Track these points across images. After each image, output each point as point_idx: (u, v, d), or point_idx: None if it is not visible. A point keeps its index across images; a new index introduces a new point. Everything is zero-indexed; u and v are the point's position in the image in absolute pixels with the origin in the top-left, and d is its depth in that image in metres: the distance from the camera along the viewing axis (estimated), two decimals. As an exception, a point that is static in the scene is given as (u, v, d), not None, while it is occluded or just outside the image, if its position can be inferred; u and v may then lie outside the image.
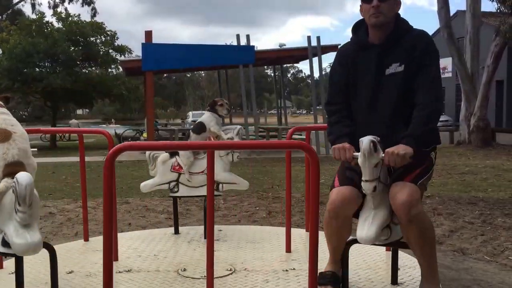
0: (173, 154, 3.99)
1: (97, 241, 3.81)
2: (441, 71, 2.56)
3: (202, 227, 4.09)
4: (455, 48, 15.72)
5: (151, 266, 3.25)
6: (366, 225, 2.36)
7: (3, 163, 2.32)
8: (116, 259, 3.35)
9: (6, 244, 2.22)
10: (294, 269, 3.11)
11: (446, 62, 31.62)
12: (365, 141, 2.27)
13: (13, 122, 2.57)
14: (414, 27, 2.58)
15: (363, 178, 2.32)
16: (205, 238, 3.82)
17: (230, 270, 3.12)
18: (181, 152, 3.94)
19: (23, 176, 2.12)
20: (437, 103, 2.45)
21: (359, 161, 2.31)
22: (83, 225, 3.98)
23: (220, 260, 3.31)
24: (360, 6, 2.55)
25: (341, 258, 2.63)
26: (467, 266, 3.52)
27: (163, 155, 3.98)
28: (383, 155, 2.30)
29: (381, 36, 2.52)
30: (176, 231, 4.10)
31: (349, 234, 2.60)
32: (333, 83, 2.70)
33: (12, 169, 2.29)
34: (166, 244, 3.78)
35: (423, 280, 2.52)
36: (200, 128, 4.01)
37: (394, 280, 2.77)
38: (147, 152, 4.01)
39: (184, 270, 3.14)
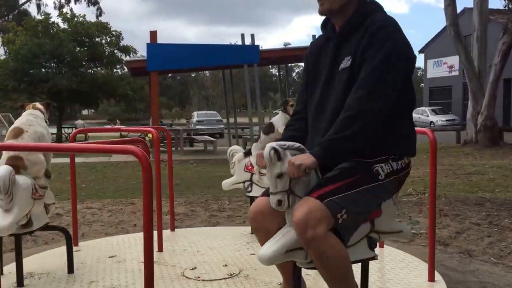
0: (247, 154, 4.07)
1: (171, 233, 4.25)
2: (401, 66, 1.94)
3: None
4: (462, 46, 15.62)
5: (172, 261, 3.41)
6: (269, 243, 2.01)
7: (7, 156, 2.77)
8: (161, 250, 3.64)
9: None
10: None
11: (453, 60, 31.53)
12: (266, 148, 1.98)
13: (33, 123, 2.98)
14: (381, 11, 2.13)
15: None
16: None
17: (231, 274, 3.11)
18: (253, 152, 4.00)
19: (0, 169, 2.57)
20: (366, 104, 1.94)
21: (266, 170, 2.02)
22: (169, 216, 4.39)
23: (241, 263, 3.36)
24: None
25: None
26: (473, 268, 3.49)
27: (238, 154, 4.08)
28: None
29: (340, 25, 2.16)
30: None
31: None
32: (302, 82, 2.45)
33: (12, 162, 2.72)
34: (225, 242, 3.89)
35: None
36: (269, 128, 4.03)
37: None
38: (228, 151, 4.17)
39: (194, 268, 3.24)
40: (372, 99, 1.94)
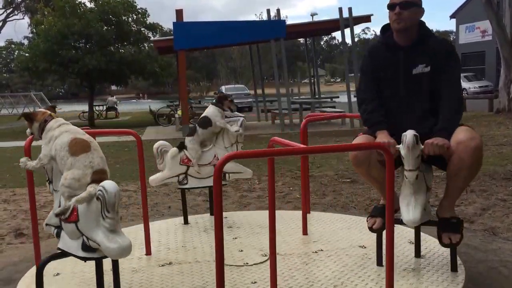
0: (181, 148, 4.09)
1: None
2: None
3: (208, 215, 4.39)
4: (493, 12, 15.12)
5: (188, 258, 3.35)
6: (411, 210, 2.68)
7: (91, 170, 2.46)
8: (149, 253, 3.44)
9: (87, 248, 2.38)
10: (321, 250, 3.31)
11: (486, 25, 30.40)
12: (409, 135, 2.57)
13: (79, 130, 2.68)
14: (433, 34, 2.99)
15: (406, 168, 2.63)
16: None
17: (265, 255, 3.28)
18: (189, 146, 4.05)
19: (110, 185, 2.25)
20: (459, 103, 2.86)
21: (403, 153, 2.60)
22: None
23: (253, 247, 3.50)
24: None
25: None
26: (495, 247, 3.57)
27: (172, 149, 4.05)
28: (422, 146, 2.61)
29: (406, 39, 2.91)
30: (186, 222, 4.24)
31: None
32: (365, 74, 3.07)
33: (98, 176, 2.45)
34: (185, 235, 3.89)
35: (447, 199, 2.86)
36: (206, 123, 4.08)
37: (417, 253, 3.15)
38: (155, 147, 4.07)
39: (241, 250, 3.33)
40: (461, 99, 2.87)
